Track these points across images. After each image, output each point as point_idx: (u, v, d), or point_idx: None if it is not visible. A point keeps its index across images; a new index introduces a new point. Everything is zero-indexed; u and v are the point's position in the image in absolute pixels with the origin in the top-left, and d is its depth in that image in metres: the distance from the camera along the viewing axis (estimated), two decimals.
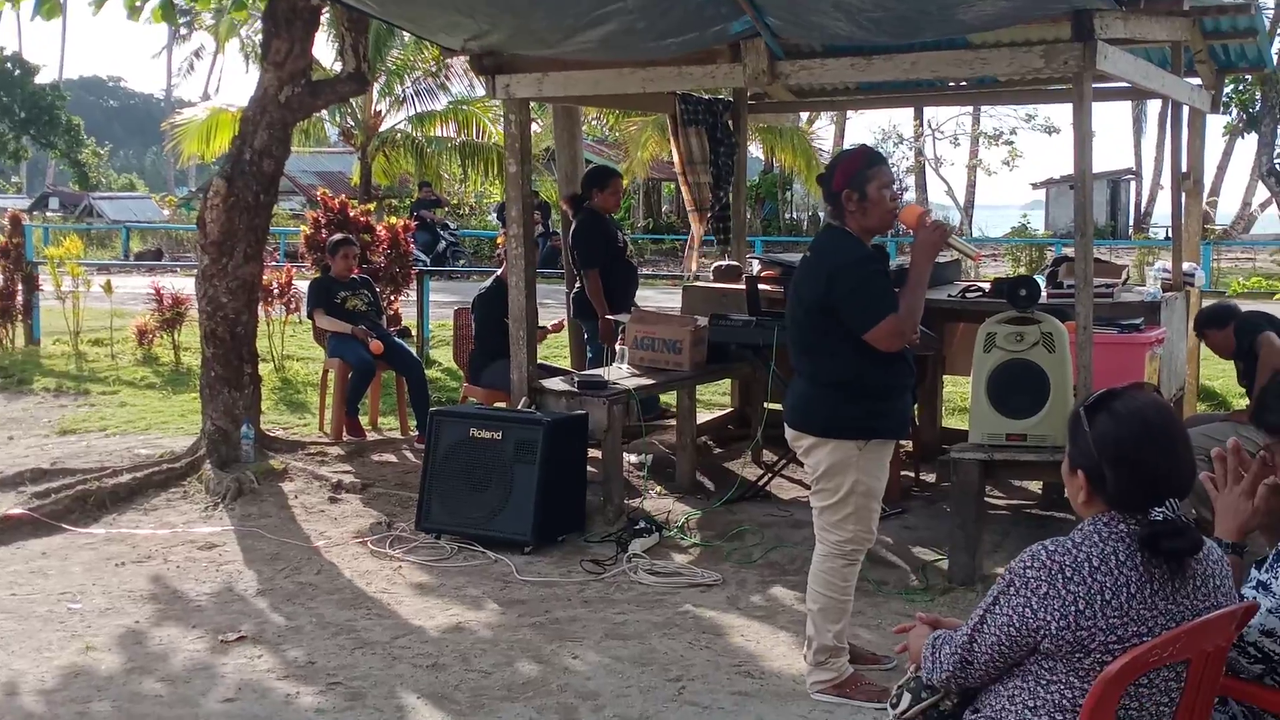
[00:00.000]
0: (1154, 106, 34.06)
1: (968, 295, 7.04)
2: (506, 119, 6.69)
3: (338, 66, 9.27)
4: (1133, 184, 33.93)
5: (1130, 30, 5.67)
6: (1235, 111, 33.59)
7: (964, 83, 8.43)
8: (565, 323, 8.53)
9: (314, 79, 7.67)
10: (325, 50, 19.70)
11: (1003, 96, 10.57)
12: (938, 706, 2.64)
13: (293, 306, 11.12)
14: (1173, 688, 2.36)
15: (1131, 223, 33.16)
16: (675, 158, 8.05)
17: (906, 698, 2.68)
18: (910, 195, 33.01)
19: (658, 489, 7.12)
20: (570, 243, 8.02)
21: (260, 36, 8.06)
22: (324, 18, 7.77)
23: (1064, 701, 2.36)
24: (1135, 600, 2.33)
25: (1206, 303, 7.55)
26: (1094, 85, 6.96)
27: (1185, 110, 7.42)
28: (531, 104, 7.05)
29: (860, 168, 4.33)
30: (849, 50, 5.95)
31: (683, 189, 8.17)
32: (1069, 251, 8.37)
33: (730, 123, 8.17)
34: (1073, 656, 2.34)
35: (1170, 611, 2.35)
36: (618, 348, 7.17)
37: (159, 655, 4.79)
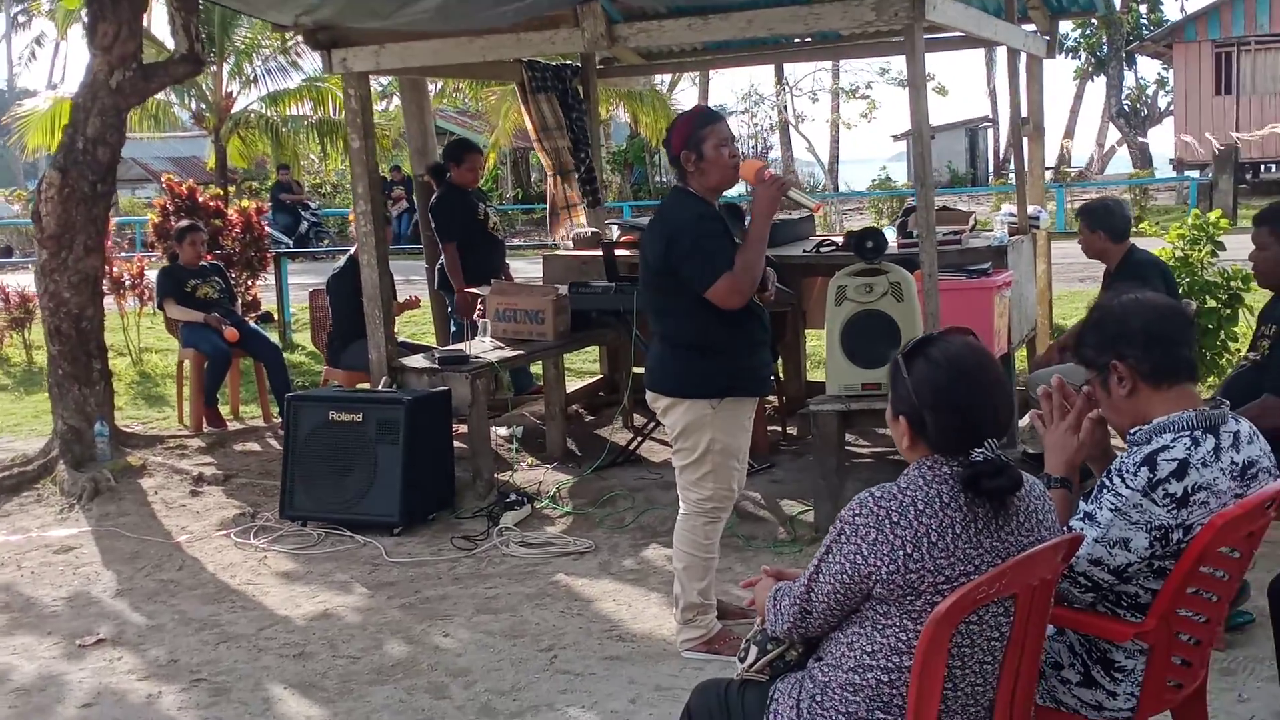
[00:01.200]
0: (1002, 51, 34.80)
1: (822, 250, 7.12)
2: (346, 94, 6.57)
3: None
4: (990, 131, 34.66)
5: None
6: (1084, 55, 34.57)
7: (808, 39, 8.50)
8: (419, 297, 8.42)
9: (146, 62, 7.42)
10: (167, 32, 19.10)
11: (848, 51, 10.69)
12: (784, 657, 2.67)
13: (146, 297, 10.80)
14: (1002, 623, 2.42)
15: (991, 169, 33.89)
16: (529, 125, 7.98)
17: (753, 650, 2.71)
18: (775, 154, 33.32)
19: (529, 461, 7.10)
20: (429, 216, 7.92)
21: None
22: None
23: (899, 644, 2.41)
24: (961, 540, 2.38)
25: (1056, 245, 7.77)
26: (933, 35, 7.11)
27: (1023, 57, 7.58)
28: (384, 77, 6.92)
29: (695, 128, 4.34)
30: (688, 10, 5.95)
31: (541, 156, 8.10)
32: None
33: (580, 88, 8.13)
34: (904, 599, 2.39)
35: (996, 549, 2.40)
36: (479, 321, 7.11)
37: (11, 665, 4.65)
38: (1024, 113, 7.69)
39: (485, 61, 6.95)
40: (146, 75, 7.37)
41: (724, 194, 4.60)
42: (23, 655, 4.74)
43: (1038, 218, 7.64)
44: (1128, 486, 2.62)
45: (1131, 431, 2.71)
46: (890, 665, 2.41)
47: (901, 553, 2.37)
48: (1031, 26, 7.74)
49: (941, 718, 2.40)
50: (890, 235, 7.04)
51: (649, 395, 4.52)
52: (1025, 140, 7.71)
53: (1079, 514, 2.70)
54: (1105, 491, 2.66)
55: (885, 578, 2.38)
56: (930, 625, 2.31)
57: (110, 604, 5.27)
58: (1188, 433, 2.65)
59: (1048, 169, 26.65)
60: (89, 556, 5.89)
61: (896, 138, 34.83)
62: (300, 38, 7.68)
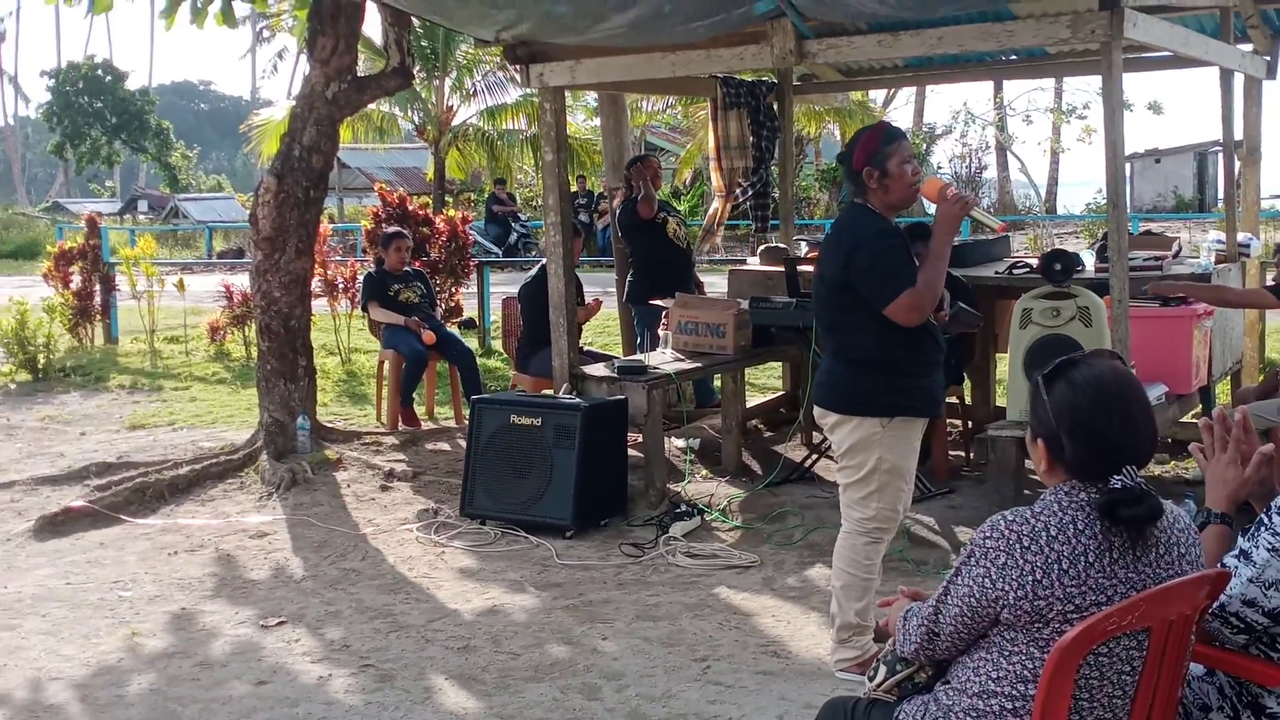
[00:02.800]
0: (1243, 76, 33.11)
1: (1014, 271, 6.95)
2: (542, 108, 6.75)
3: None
4: (1220, 156, 33.06)
5: None
6: None
7: (1013, 56, 8.31)
8: (599, 300, 8.55)
9: (360, 75, 7.79)
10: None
11: (1057, 69, 10.38)
12: (912, 679, 2.64)
13: (358, 300, 11.29)
14: (1134, 657, 2.33)
15: (1220, 196, 32.25)
16: (710, 141, 8.04)
17: (882, 670, 2.69)
18: (990, 174, 32.49)
19: (702, 473, 7.14)
20: (617, 227, 8.09)
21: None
22: (371, 12, 7.88)
23: (1025, 672, 2.34)
24: (1093, 569, 2.31)
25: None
26: (1141, 55, 6.88)
27: (1239, 78, 7.24)
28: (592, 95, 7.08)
29: (879, 144, 4.31)
30: (879, 27, 5.90)
31: (713, 173, 8.15)
32: (1149, 225, 8.21)
33: (774, 105, 8.14)
34: (1032, 626, 2.33)
35: (1130, 580, 2.32)
36: (660, 332, 7.20)
37: (200, 640, 4.93)
38: (1239, 136, 7.32)
39: (678, 77, 7.04)
40: (360, 87, 7.74)
41: (902, 213, 4.55)
42: (212, 630, 5.03)
43: (1249, 246, 7.27)
44: None
45: None
46: (1015, 693, 2.35)
47: (1030, 578, 2.31)
48: (1250, 46, 7.37)
49: None
50: (1088, 259, 6.84)
51: (817, 411, 4.50)
52: (1239, 164, 7.34)
53: (1235, 551, 2.58)
54: (1264, 530, 2.53)
55: (1013, 603, 2.32)
56: (1056, 653, 2.25)
57: (295, 588, 5.54)
58: None
59: (1276, 197, 25.16)
60: (281, 543, 6.20)
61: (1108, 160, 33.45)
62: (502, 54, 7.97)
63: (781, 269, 7.60)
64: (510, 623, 5.05)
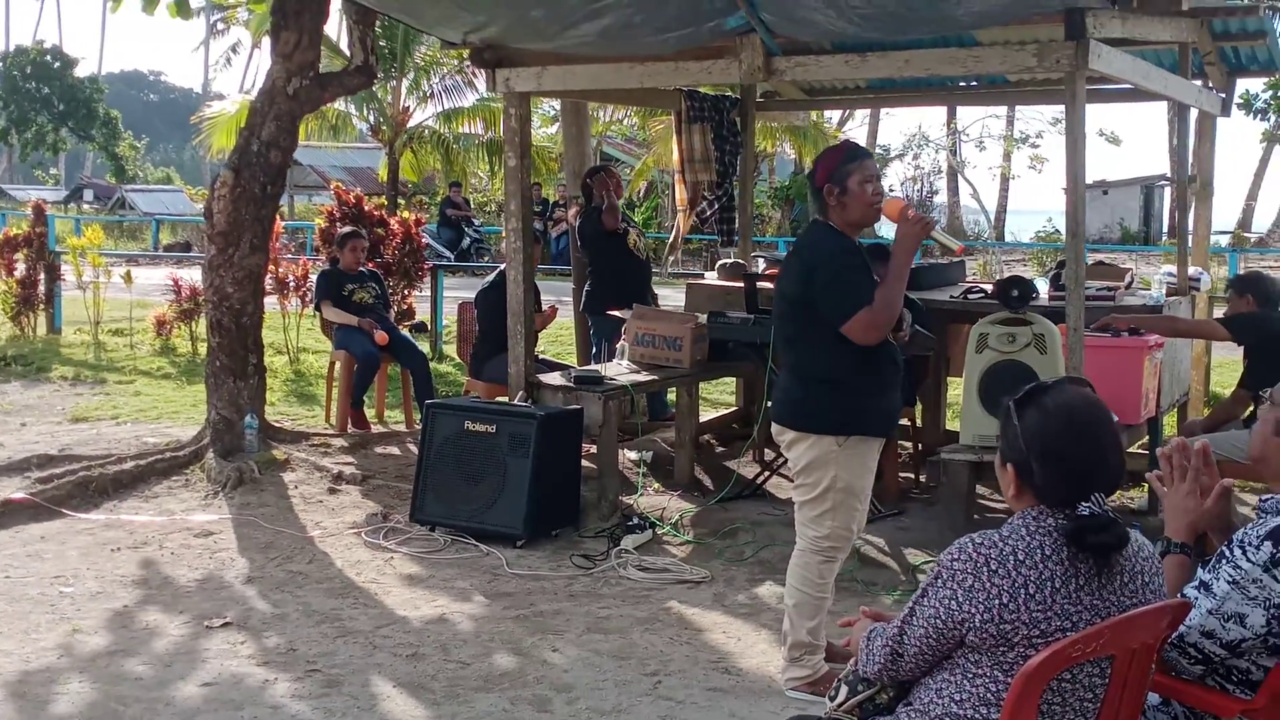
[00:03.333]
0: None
1: (969, 296, 7.01)
2: (506, 113, 6.73)
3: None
4: (1167, 190, 33.58)
5: (1129, 30, 5.64)
6: (1275, 118, 33.28)
7: (974, 82, 8.40)
8: (555, 308, 8.51)
9: (322, 71, 7.72)
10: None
11: (1017, 97, 10.50)
12: (874, 700, 2.64)
13: (309, 299, 11.19)
14: (1097, 684, 2.35)
15: (1165, 229, 32.83)
16: (676, 155, 8.05)
17: (844, 690, 2.69)
18: (941, 198, 32.86)
19: (655, 486, 7.13)
20: (576, 236, 8.07)
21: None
22: (334, 10, 7.83)
23: (988, 695, 2.35)
24: (1059, 595, 2.32)
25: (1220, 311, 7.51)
26: (1101, 87, 6.96)
27: (1193, 113, 7.36)
28: (554, 103, 7.07)
29: (841, 162, 4.33)
30: (847, 47, 5.94)
31: (678, 186, 8.16)
32: (1100, 256, 8.32)
33: (737, 120, 8.17)
34: (997, 650, 2.34)
35: (1095, 607, 2.34)
36: (618, 344, 7.18)
37: (142, 639, 4.85)
38: (1191, 170, 7.44)
39: (644, 88, 7.04)
40: (322, 84, 7.67)
41: (863, 232, 4.56)
42: (154, 631, 4.94)
43: (1199, 280, 7.39)
44: (1249, 560, 2.52)
45: (1263, 499, 2.61)
46: (977, 716, 2.36)
47: (997, 602, 2.32)
48: (1205, 82, 7.49)
49: None
50: (1042, 287, 6.91)
51: (774, 428, 4.50)
52: (1192, 199, 7.46)
53: (1195, 582, 2.60)
54: (1224, 562, 2.56)
55: (979, 626, 2.33)
56: (1020, 679, 2.25)
57: (240, 590, 5.46)
58: None
59: (1224, 232, 25.60)
60: (226, 542, 6.11)
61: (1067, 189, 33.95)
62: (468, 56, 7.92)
63: (739, 284, 7.62)
64: (459, 631, 5.00)
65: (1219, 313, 7.37)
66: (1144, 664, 2.39)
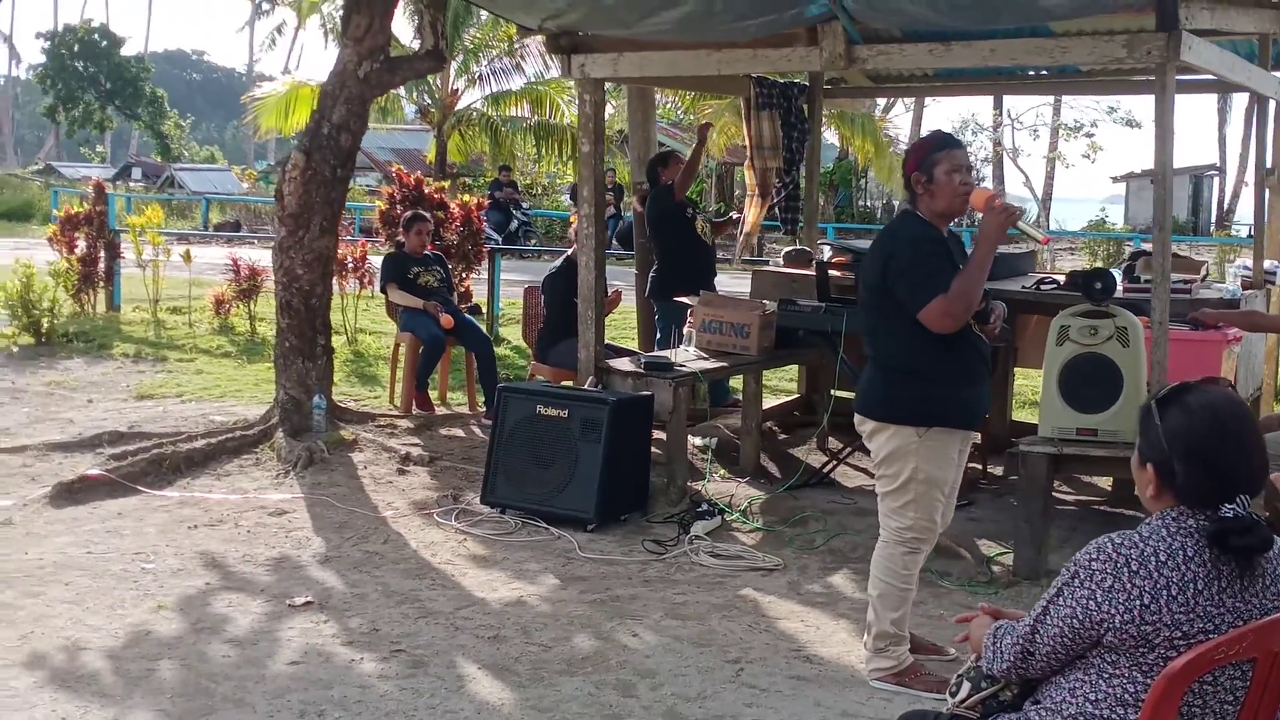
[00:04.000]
0: (1239, 101, 33.37)
1: (1042, 287, 6.96)
2: (581, 99, 6.72)
3: (415, 44, 9.36)
4: (1215, 180, 33.26)
5: (1216, 21, 5.57)
6: None
7: (1044, 72, 8.31)
8: (620, 292, 8.51)
9: (392, 55, 7.74)
10: (404, 28, 19.88)
11: (1084, 87, 10.38)
12: (997, 696, 2.62)
13: (366, 281, 11.25)
14: (1238, 687, 2.33)
15: (1213, 219, 32.51)
16: (747, 141, 8.02)
17: (966, 686, 2.67)
18: (987, 184, 32.61)
19: (721, 472, 7.13)
20: (643, 221, 8.07)
21: (340, 13, 8.13)
22: None
23: (1126, 696, 2.34)
24: (1202, 597, 2.30)
25: None
26: (1177, 78, 6.87)
27: (1272, 105, 7.26)
28: (606, 85, 7.07)
29: (930, 151, 4.32)
30: (927, 36, 5.89)
31: (748, 172, 8.13)
32: (1147, 246, 8.23)
33: (805, 107, 8.13)
34: (1136, 651, 2.32)
35: (1237, 609, 2.31)
36: (685, 330, 7.17)
37: (226, 617, 4.90)
38: (1269, 163, 7.35)
39: (718, 75, 7.02)
40: (392, 68, 7.69)
41: (952, 222, 4.54)
42: (237, 609, 4.99)
43: (1275, 273, 7.30)
44: None
45: None
46: (1114, 716, 2.35)
47: (1139, 603, 2.30)
48: None
49: None
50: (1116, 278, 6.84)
51: (856, 418, 4.48)
52: (1267, 191, 7.37)
53: None
54: None
55: (1118, 627, 2.32)
56: (1163, 680, 2.24)
57: (318, 569, 5.50)
58: None
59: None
60: (300, 522, 6.16)
61: (1116, 179, 33.70)
62: (538, 41, 7.92)
63: (806, 272, 7.60)
64: (538, 614, 5.02)
65: None
66: None
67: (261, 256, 12.68)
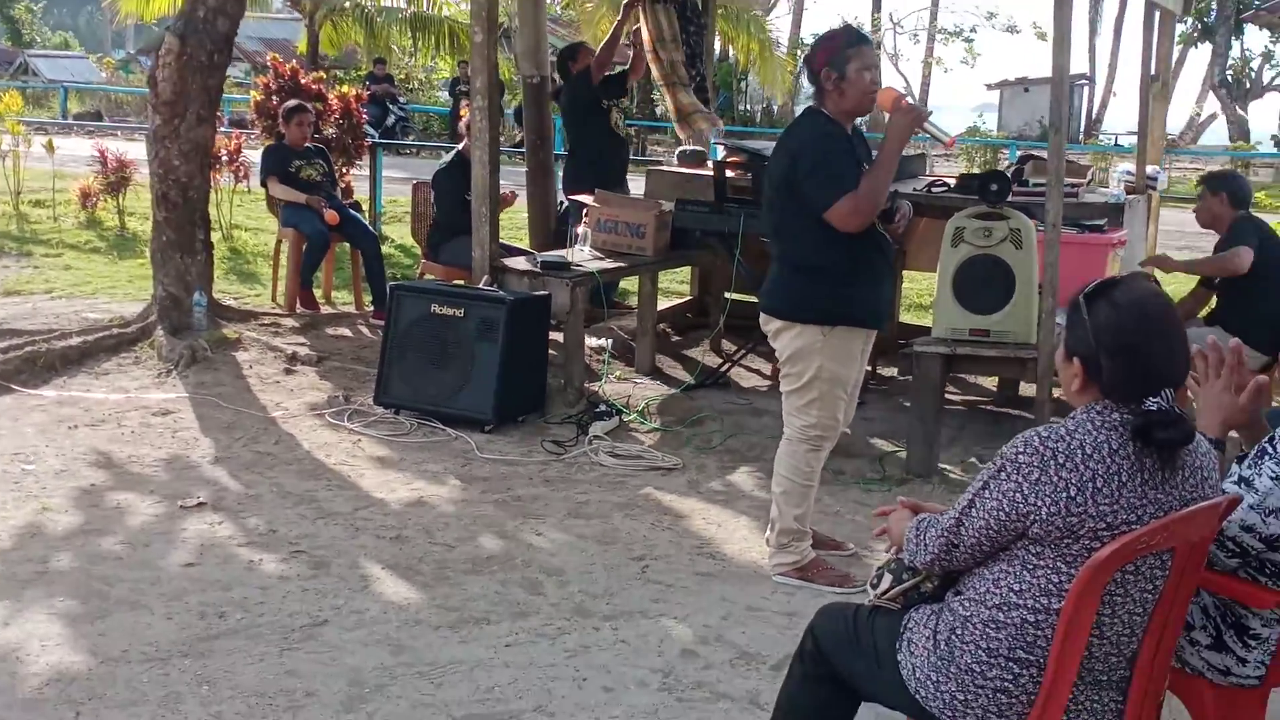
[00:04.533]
0: (1110, 9, 33.98)
1: (933, 190, 7.02)
2: None
3: None
4: (1086, 89, 33.92)
5: None
6: (1190, 21, 33.68)
7: None
8: (514, 193, 8.35)
9: None
10: None
11: None
12: (919, 588, 2.66)
13: (242, 174, 10.86)
14: (1157, 576, 2.40)
15: (1083, 128, 33.21)
16: (645, 35, 7.87)
17: (887, 579, 2.70)
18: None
19: (618, 373, 7.11)
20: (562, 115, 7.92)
21: None
22: None
23: (1050, 586, 2.39)
24: (1126, 489, 2.35)
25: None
26: None
27: (1156, 12, 7.38)
28: None
29: (841, 47, 4.28)
30: None
31: (653, 66, 7.98)
32: (1035, 152, 8.35)
33: (700, 3, 8.00)
34: (1061, 542, 2.37)
35: (1160, 501, 2.37)
36: (579, 229, 7.09)
37: (116, 517, 4.75)
38: (1153, 70, 7.49)
39: None
40: None
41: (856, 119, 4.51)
42: (127, 509, 4.84)
43: (1155, 179, 7.48)
44: None
45: None
46: (1038, 606, 2.40)
47: (1064, 495, 2.35)
48: None
49: (1083, 664, 2.39)
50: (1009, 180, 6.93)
51: (762, 317, 4.49)
52: (1151, 98, 7.52)
53: (1233, 477, 2.66)
54: (1266, 459, 2.61)
55: (1045, 518, 2.36)
56: (1088, 570, 2.29)
57: (209, 470, 5.36)
58: None
59: (1132, 133, 26.00)
60: (187, 422, 5.98)
61: (990, 86, 34.16)
62: None
63: (700, 171, 7.55)
64: (439, 514, 4.98)
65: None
66: (1199, 557, 2.45)
67: (128, 148, 12.18)
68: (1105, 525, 2.34)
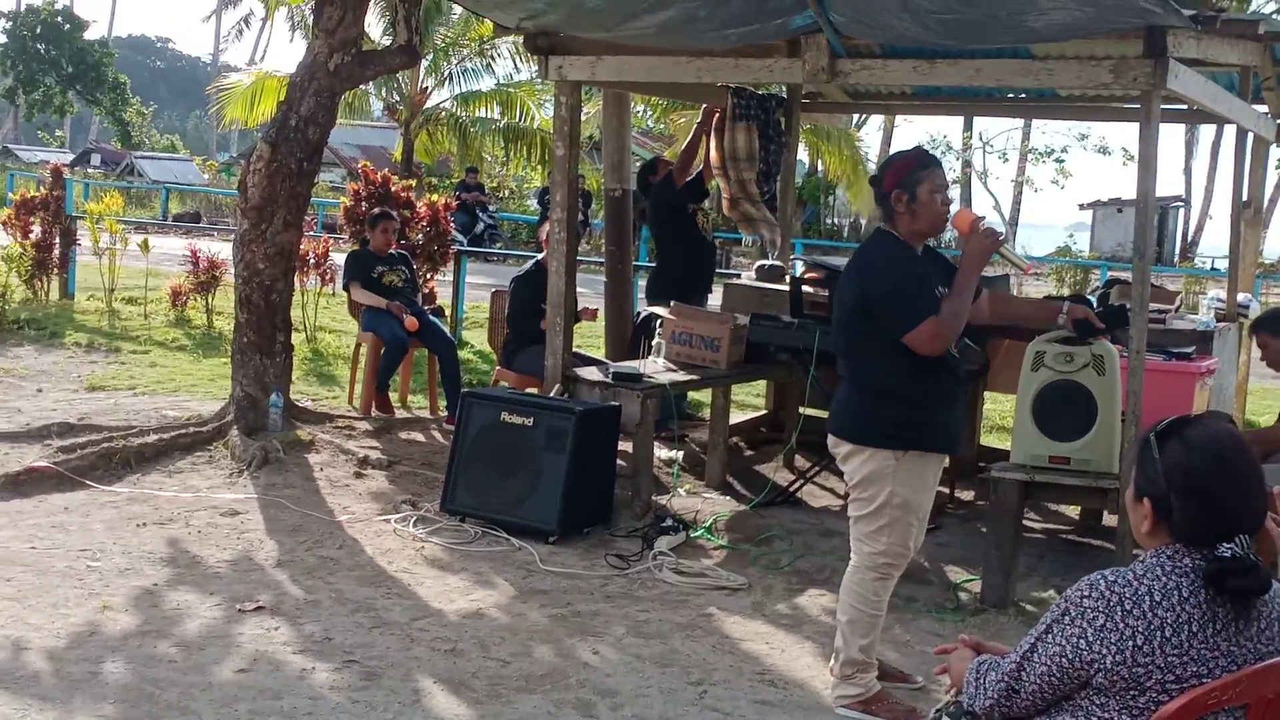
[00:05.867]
0: (1206, 133, 33.75)
1: None
2: (557, 101, 6.60)
3: (386, 39, 9.23)
4: (1181, 211, 33.58)
5: (1202, 51, 5.54)
6: None
7: (1023, 94, 8.29)
8: (595, 310, 8.39)
9: (363, 49, 7.60)
10: (375, 22, 19.69)
11: (1060, 111, 10.34)
12: None
13: (328, 278, 11.07)
14: None
15: (1178, 251, 32.80)
16: (713, 151, 7.87)
17: None
18: (955, 206, 32.76)
19: (687, 487, 7.03)
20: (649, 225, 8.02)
21: (310, 5, 7.98)
22: None
23: None
24: (1196, 639, 2.22)
25: None
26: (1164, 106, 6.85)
27: (1249, 137, 7.26)
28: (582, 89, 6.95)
29: (912, 169, 4.24)
30: (912, 53, 5.83)
31: (720, 182, 7.96)
32: (1119, 275, 8.21)
33: (781, 120, 8.05)
34: (1127, 693, 2.23)
35: (1232, 653, 2.23)
36: (655, 341, 7.07)
37: (174, 619, 4.74)
38: (1245, 195, 7.35)
39: (696, 84, 6.93)
40: (364, 62, 7.55)
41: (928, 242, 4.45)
42: (185, 612, 4.83)
43: (1247, 306, 7.30)
44: None
45: None
46: None
47: (1131, 644, 2.22)
48: (1264, 108, 7.40)
49: None
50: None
51: (830, 440, 4.40)
52: (1243, 224, 7.37)
53: None
54: None
55: (1109, 668, 2.23)
56: None
57: (271, 573, 5.34)
58: None
59: (1222, 257, 25.63)
60: (254, 523, 5.99)
61: (1083, 206, 33.94)
62: (509, 41, 7.80)
63: (778, 286, 7.52)
64: (497, 627, 4.90)
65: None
66: (1276, 714, 2.29)
67: (221, 249, 12.50)
68: (1174, 678, 2.21)
